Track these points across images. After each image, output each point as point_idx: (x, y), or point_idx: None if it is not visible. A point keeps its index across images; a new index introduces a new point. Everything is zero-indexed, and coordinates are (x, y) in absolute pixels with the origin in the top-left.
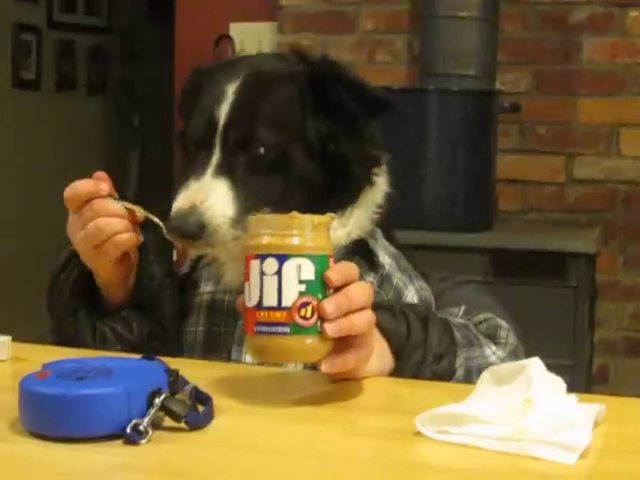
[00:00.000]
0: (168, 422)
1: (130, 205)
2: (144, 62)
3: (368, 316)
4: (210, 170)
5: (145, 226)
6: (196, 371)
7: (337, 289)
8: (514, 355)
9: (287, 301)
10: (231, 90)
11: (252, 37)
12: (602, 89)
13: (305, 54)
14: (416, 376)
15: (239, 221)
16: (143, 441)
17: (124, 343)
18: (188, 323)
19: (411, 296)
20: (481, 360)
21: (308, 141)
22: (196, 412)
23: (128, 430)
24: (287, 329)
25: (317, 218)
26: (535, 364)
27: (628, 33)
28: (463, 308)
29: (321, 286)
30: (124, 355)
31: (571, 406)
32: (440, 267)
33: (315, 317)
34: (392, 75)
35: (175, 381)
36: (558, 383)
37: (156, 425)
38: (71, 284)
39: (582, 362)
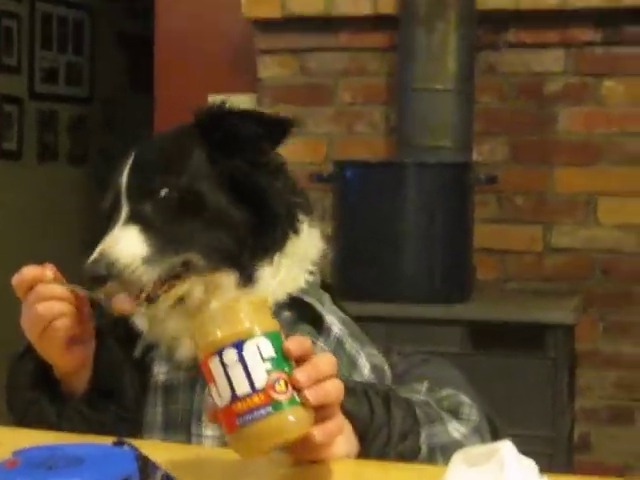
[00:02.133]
0: None
1: (75, 287)
2: (125, 132)
3: (338, 384)
4: (120, 223)
5: (100, 310)
6: (166, 455)
7: (298, 361)
8: (477, 432)
9: (259, 382)
10: (129, 161)
11: None
12: (579, 158)
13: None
14: (382, 457)
15: (156, 261)
16: None
17: (92, 424)
18: (146, 403)
19: (363, 363)
20: (444, 437)
21: (213, 178)
22: None
23: None
24: (270, 408)
25: (255, 299)
26: (507, 446)
27: (603, 103)
28: (426, 384)
29: (284, 360)
30: (95, 439)
31: None
32: (413, 342)
33: (290, 390)
34: (370, 146)
35: (145, 468)
36: (530, 467)
37: None
38: (29, 376)
39: (563, 432)
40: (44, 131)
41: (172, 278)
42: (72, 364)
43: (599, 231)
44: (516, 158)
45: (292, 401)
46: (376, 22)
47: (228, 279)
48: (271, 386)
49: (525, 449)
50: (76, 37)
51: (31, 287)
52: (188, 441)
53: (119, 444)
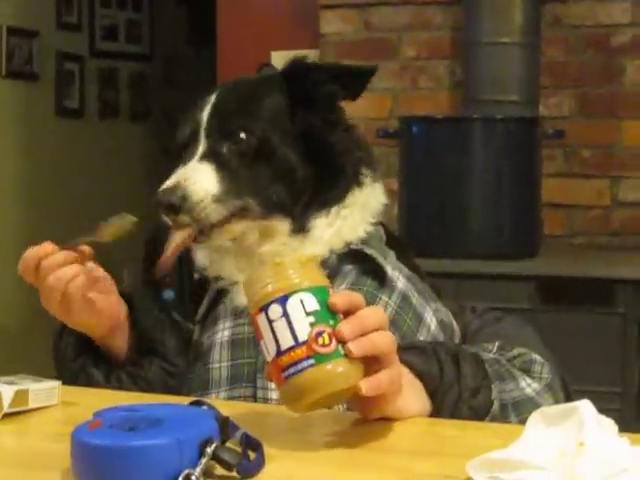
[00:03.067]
0: (220, 470)
1: (76, 244)
2: (185, 89)
3: (387, 336)
4: (196, 157)
5: (128, 272)
6: (244, 415)
7: (346, 315)
8: (550, 389)
9: (302, 335)
10: (213, 97)
11: None
12: None
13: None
14: (455, 414)
15: (223, 200)
16: None
17: (140, 382)
18: (211, 360)
19: (430, 318)
20: (516, 393)
21: (289, 131)
22: (247, 460)
23: None
24: (312, 361)
25: (303, 256)
26: (586, 406)
27: None
28: (497, 344)
29: (329, 314)
30: (171, 399)
31: (623, 450)
32: (481, 298)
33: (334, 343)
34: (435, 101)
35: (225, 428)
36: (609, 426)
37: (208, 474)
38: (72, 348)
39: (631, 388)
40: (105, 88)
41: (228, 218)
42: (100, 321)
43: None
44: (583, 111)
45: (336, 354)
46: None
47: (281, 226)
48: (314, 339)
49: (594, 405)
50: None
51: (35, 268)
52: (254, 395)
53: (197, 404)
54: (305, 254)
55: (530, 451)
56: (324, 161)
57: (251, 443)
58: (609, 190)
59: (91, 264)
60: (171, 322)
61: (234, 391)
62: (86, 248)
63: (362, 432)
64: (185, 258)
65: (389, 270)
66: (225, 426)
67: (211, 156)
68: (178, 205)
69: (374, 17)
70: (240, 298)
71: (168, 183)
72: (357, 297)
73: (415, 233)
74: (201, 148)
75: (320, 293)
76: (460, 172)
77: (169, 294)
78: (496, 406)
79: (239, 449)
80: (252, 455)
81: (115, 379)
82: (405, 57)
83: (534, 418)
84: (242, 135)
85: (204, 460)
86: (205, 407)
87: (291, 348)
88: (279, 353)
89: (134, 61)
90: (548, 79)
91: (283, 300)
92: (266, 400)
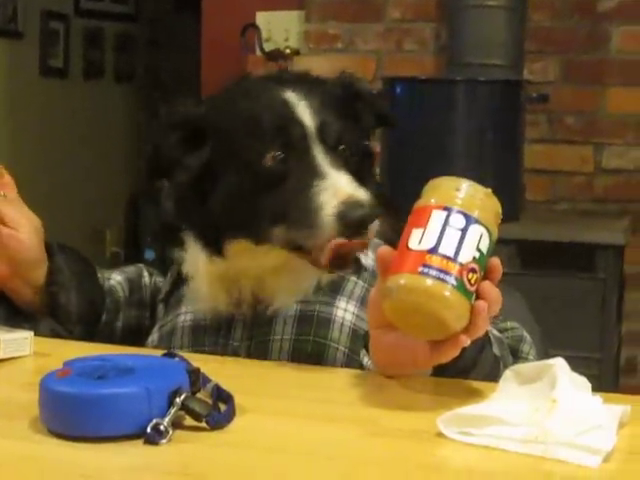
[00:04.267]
0: (189, 421)
1: None
2: (171, 50)
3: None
4: (329, 167)
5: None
6: (217, 368)
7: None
8: None
9: (463, 257)
10: (294, 98)
11: (279, 26)
12: (631, 78)
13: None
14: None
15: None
16: (163, 441)
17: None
18: (173, 344)
19: None
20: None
21: (357, 146)
22: (217, 412)
23: (148, 430)
24: (454, 282)
25: (500, 210)
26: (559, 364)
27: None
28: None
29: (485, 265)
30: (145, 352)
31: (596, 407)
32: None
33: (475, 287)
34: (419, 64)
35: (196, 379)
36: (583, 384)
37: (177, 424)
38: None
39: (610, 354)
40: (90, 48)
41: None
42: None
43: None
44: (568, 77)
45: (469, 295)
46: None
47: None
48: (467, 269)
49: (572, 370)
50: None
51: None
52: None
53: (169, 356)
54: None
55: (502, 407)
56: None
57: (222, 395)
58: (592, 157)
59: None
60: (90, 284)
61: None
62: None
63: (333, 386)
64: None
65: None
66: (196, 377)
67: (338, 166)
68: (368, 225)
69: None
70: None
71: (356, 193)
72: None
73: (397, 194)
74: (323, 156)
75: (493, 243)
76: (443, 134)
77: (150, 254)
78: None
79: (210, 401)
80: (223, 407)
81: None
82: (390, 19)
83: (508, 375)
84: (342, 147)
85: (173, 410)
86: (177, 359)
87: (448, 257)
88: (433, 250)
89: (119, 21)
90: (533, 44)
91: (471, 220)
92: None
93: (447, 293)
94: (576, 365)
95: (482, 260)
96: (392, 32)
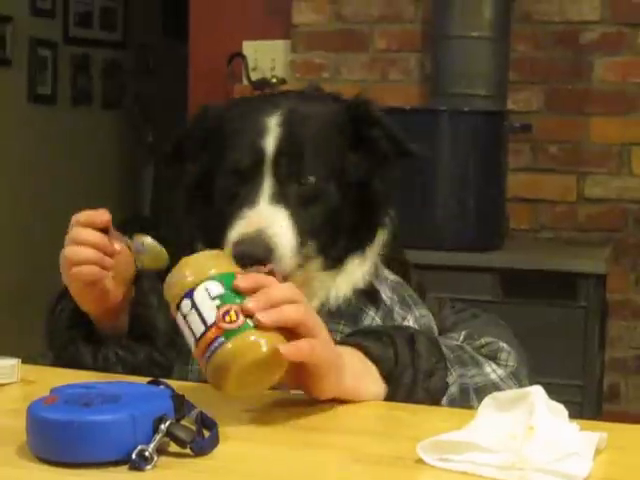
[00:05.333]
0: (174, 447)
1: (118, 237)
2: (159, 77)
3: (299, 307)
4: (265, 197)
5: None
6: (201, 395)
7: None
8: (514, 377)
9: (210, 319)
10: (273, 123)
11: (265, 55)
12: (613, 108)
13: (334, 94)
14: (410, 396)
15: (299, 252)
16: (148, 467)
17: (127, 366)
18: (191, 361)
19: (411, 325)
20: (480, 378)
21: (347, 177)
22: (201, 438)
23: (133, 456)
24: (222, 339)
25: (211, 252)
26: (537, 391)
27: (639, 53)
28: (464, 333)
29: (235, 295)
30: (131, 380)
31: (573, 434)
32: (445, 289)
33: (241, 318)
34: (404, 93)
35: (181, 406)
36: (560, 411)
37: (162, 451)
38: (67, 315)
39: (592, 381)
40: (78, 75)
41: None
42: (96, 310)
43: (633, 181)
44: (551, 107)
45: (244, 327)
46: None
47: (315, 264)
48: (221, 318)
49: (555, 397)
50: None
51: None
52: None
53: (154, 383)
54: (210, 251)
55: (480, 434)
56: (370, 209)
57: (206, 422)
58: (575, 185)
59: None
60: (168, 315)
61: None
62: (120, 247)
63: (315, 413)
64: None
65: (381, 289)
66: (180, 404)
67: (281, 199)
68: (264, 258)
69: (346, 8)
70: None
71: (247, 230)
72: (266, 279)
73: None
74: (268, 188)
75: (226, 279)
76: (427, 164)
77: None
78: (454, 390)
79: (194, 427)
80: (207, 434)
81: (102, 358)
82: (376, 49)
83: (486, 403)
84: (311, 179)
85: (158, 436)
86: (162, 386)
87: (203, 334)
88: (196, 342)
89: (108, 48)
90: (517, 74)
91: (190, 294)
92: None
93: (227, 352)
94: (559, 392)
95: (227, 297)
96: (377, 62)
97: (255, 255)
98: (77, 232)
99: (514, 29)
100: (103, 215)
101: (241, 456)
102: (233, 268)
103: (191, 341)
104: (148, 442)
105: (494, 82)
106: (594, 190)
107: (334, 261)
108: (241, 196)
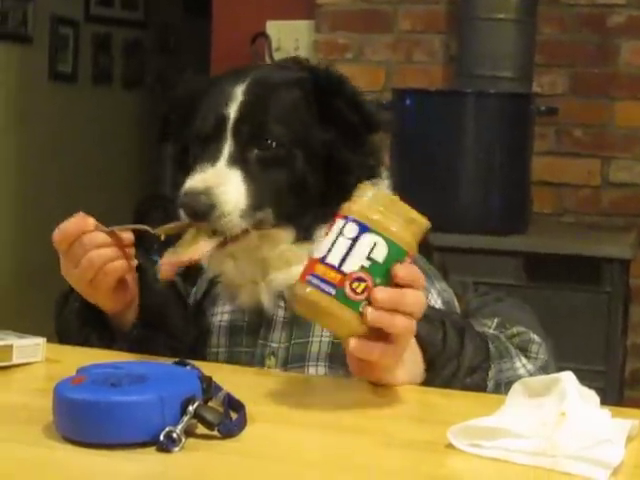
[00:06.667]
0: (201, 429)
1: (117, 229)
2: (180, 57)
3: (410, 323)
4: (223, 159)
5: (139, 247)
6: (228, 377)
7: (397, 287)
8: (543, 370)
9: (347, 267)
10: (240, 90)
11: (288, 35)
12: (639, 92)
13: (308, 64)
14: (447, 386)
15: (248, 214)
16: (176, 449)
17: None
18: (209, 344)
19: (434, 300)
20: (510, 373)
21: (312, 144)
22: (229, 420)
23: (161, 438)
24: (333, 291)
25: (414, 213)
26: (568, 377)
27: None
28: (496, 320)
29: (385, 273)
30: (157, 359)
31: (604, 421)
32: (468, 273)
33: (364, 297)
34: (429, 75)
35: (208, 388)
36: (591, 397)
37: (189, 432)
38: (76, 314)
39: (615, 367)
40: (99, 54)
41: (248, 230)
42: (119, 306)
43: None
44: (576, 90)
45: (355, 304)
46: None
47: (287, 234)
48: (351, 278)
49: (580, 383)
50: None
51: (74, 240)
52: None
53: (181, 364)
54: (418, 215)
55: (512, 420)
56: (339, 178)
57: (233, 404)
58: (600, 170)
59: (131, 251)
60: (177, 297)
61: None
62: (128, 235)
63: (346, 397)
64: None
65: None
66: (208, 386)
67: (238, 161)
68: (206, 213)
69: None
70: (241, 298)
71: (196, 184)
72: (420, 279)
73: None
74: (227, 149)
75: (395, 251)
76: (451, 146)
77: (157, 258)
78: (490, 386)
79: (221, 409)
80: (234, 416)
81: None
82: (400, 30)
83: (516, 388)
84: (272, 143)
85: (186, 418)
86: (189, 367)
87: (332, 266)
88: (322, 260)
89: (129, 27)
90: (542, 57)
91: (363, 228)
92: None
93: (323, 302)
94: (581, 377)
95: (376, 269)
96: (402, 43)
97: (197, 209)
98: (91, 237)
99: (540, 11)
100: (87, 218)
101: (269, 439)
102: (411, 243)
103: (322, 250)
104: (176, 423)
105: (520, 64)
106: (618, 174)
107: (306, 231)
108: (203, 159)
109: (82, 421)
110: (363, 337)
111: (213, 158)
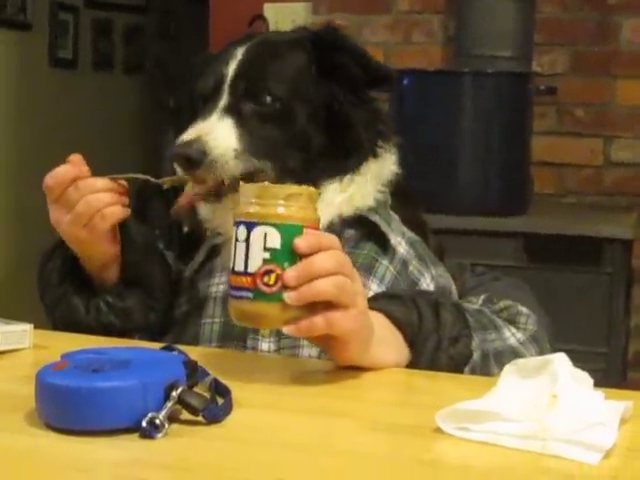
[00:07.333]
0: (186, 415)
1: (114, 176)
2: (181, 42)
3: (338, 280)
4: (217, 111)
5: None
6: (215, 361)
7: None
8: (534, 340)
9: (252, 267)
10: (240, 52)
11: (286, 17)
12: None
13: (311, 28)
14: (433, 362)
15: (243, 157)
16: (159, 435)
17: (118, 312)
18: (204, 314)
19: (426, 284)
20: (498, 343)
21: (312, 100)
22: (214, 405)
23: (144, 424)
24: (250, 294)
25: (292, 188)
26: (561, 359)
27: None
28: (482, 297)
29: (289, 255)
30: (144, 345)
31: (597, 403)
32: (468, 254)
33: (279, 285)
34: (428, 56)
35: (193, 373)
36: (584, 379)
37: (173, 418)
38: (57, 271)
39: (617, 349)
40: (99, 40)
41: (244, 178)
42: (108, 257)
43: None
44: (577, 69)
45: (274, 296)
46: None
47: None
48: (260, 275)
49: (579, 365)
50: None
51: (68, 186)
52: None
53: (168, 349)
54: (301, 187)
55: (501, 403)
56: (343, 133)
57: (220, 389)
58: (601, 149)
59: (125, 199)
60: (159, 258)
61: (223, 348)
62: (123, 183)
63: (332, 381)
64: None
65: (392, 237)
66: (193, 371)
67: (233, 112)
68: (198, 159)
69: None
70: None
71: (187, 136)
72: (326, 242)
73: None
74: (222, 103)
75: (288, 231)
76: (450, 126)
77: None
78: (476, 356)
79: (207, 394)
80: (220, 401)
81: (94, 308)
82: (398, 10)
83: (508, 370)
84: (267, 98)
85: (169, 404)
86: (175, 352)
87: (239, 273)
88: (232, 271)
89: (129, 12)
90: (542, 36)
91: (251, 226)
92: None
93: (247, 308)
94: (583, 359)
95: (278, 256)
96: (400, 24)
97: (188, 155)
98: (89, 182)
99: None
100: (82, 165)
101: (255, 424)
102: (304, 216)
103: (230, 263)
104: (159, 409)
105: (519, 43)
106: (620, 154)
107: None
108: (202, 112)
109: (63, 407)
110: (298, 318)
111: (208, 113)
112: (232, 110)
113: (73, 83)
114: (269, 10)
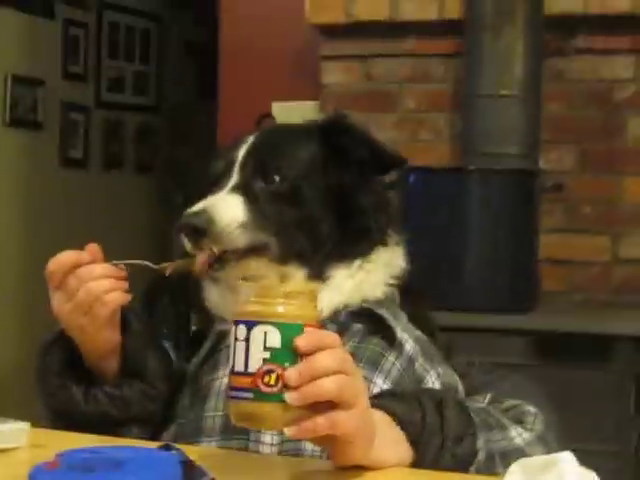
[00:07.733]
0: None
1: (115, 262)
2: (193, 140)
3: (340, 380)
4: (226, 189)
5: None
6: (215, 460)
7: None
8: (542, 440)
9: (252, 367)
10: (251, 138)
11: (294, 116)
12: None
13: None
14: (437, 462)
15: (248, 230)
16: None
17: (116, 402)
18: (206, 408)
19: (432, 382)
20: (505, 443)
21: (321, 183)
22: None
23: None
24: (250, 395)
25: (292, 287)
26: (566, 458)
27: None
28: (489, 396)
29: (290, 355)
30: (141, 444)
31: None
32: (476, 352)
33: (280, 385)
34: (435, 153)
35: (190, 473)
36: (590, 478)
37: None
38: (58, 361)
39: (628, 447)
40: (110, 140)
41: (248, 253)
42: (109, 345)
43: None
44: (584, 166)
45: (275, 397)
46: (442, 28)
47: (297, 273)
48: (260, 375)
49: (591, 464)
50: (143, 46)
51: (69, 272)
52: (246, 447)
53: (166, 448)
54: (301, 285)
55: None
56: (352, 218)
57: None
58: (609, 246)
59: (126, 285)
60: (160, 347)
61: (226, 442)
62: (123, 268)
63: None
64: (184, 305)
65: (399, 332)
66: (190, 470)
67: (242, 190)
68: (203, 229)
69: (376, 68)
70: None
71: (195, 208)
72: (327, 340)
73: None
74: (232, 181)
75: (289, 330)
76: (457, 224)
77: (166, 344)
78: (481, 456)
79: None
80: None
81: (92, 398)
82: (405, 109)
83: (513, 470)
84: (276, 177)
85: None
86: (173, 451)
87: (239, 373)
88: (231, 371)
89: (140, 112)
90: (549, 133)
91: (250, 324)
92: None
93: (247, 409)
94: (594, 458)
95: (278, 355)
96: (407, 122)
97: (194, 225)
98: (89, 269)
99: (546, 87)
100: (92, 249)
101: None
102: (304, 314)
103: (230, 361)
104: None
105: (526, 141)
106: (629, 251)
107: (317, 271)
108: (210, 193)
109: None
110: (300, 418)
111: (218, 190)
112: (241, 187)
113: (84, 183)
114: (277, 108)
